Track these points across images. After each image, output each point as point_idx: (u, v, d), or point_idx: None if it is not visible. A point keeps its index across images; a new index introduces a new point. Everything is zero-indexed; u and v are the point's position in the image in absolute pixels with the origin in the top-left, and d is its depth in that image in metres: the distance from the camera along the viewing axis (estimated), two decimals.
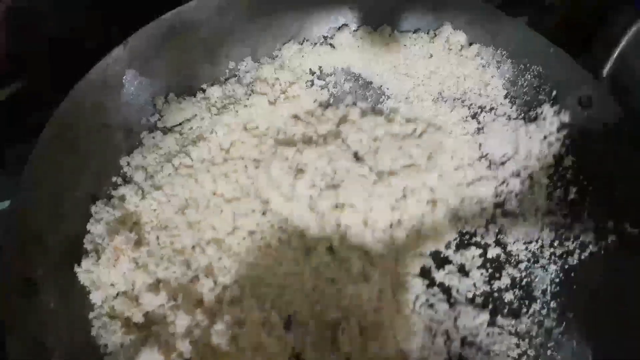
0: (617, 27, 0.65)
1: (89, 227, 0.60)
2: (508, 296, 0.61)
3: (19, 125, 0.68)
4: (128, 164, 0.65)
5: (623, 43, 0.60)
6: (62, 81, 0.60)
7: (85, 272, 0.57)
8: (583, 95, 0.62)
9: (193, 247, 0.60)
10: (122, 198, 0.62)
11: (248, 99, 0.68)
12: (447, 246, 0.64)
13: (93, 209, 0.61)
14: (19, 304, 0.53)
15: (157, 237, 0.61)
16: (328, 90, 0.72)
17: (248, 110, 0.67)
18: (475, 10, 0.68)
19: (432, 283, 0.61)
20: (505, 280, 0.62)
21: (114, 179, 0.63)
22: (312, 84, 0.72)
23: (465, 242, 0.64)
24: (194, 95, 0.69)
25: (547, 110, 0.65)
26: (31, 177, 0.57)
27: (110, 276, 0.57)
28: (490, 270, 0.62)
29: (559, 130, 0.65)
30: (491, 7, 0.68)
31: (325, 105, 0.71)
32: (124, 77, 0.65)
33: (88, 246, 0.58)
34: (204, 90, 0.69)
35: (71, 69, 0.61)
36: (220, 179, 0.63)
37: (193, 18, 0.67)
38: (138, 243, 0.59)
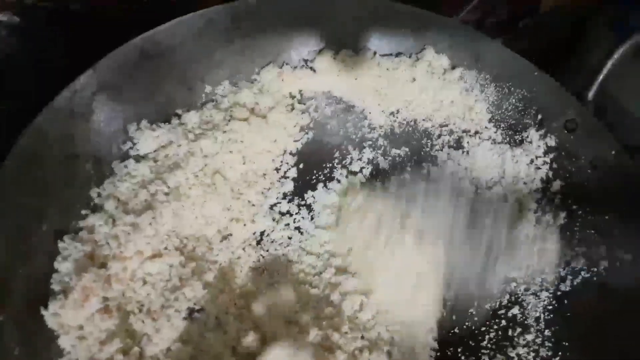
0: (598, 53, 0.65)
1: (56, 265, 0.55)
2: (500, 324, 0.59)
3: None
4: (99, 194, 0.60)
5: (604, 72, 0.60)
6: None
7: (53, 315, 0.52)
8: (568, 119, 0.62)
9: None
10: (91, 229, 0.57)
11: (227, 124, 0.65)
12: None
13: (60, 245, 0.56)
14: None
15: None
16: (309, 115, 0.70)
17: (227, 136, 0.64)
18: (457, 33, 0.68)
19: None
20: None
21: (83, 211, 0.59)
22: (293, 108, 0.70)
23: None
24: (169, 122, 0.65)
25: (532, 134, 0.65)
26: None
27: (78, 318, 0.52)
28: None
29: (545, 154, 0.64)
30: (473, 29, 0.68)
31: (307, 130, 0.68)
32: (94, 104, 0.60)
33: (55, 287, 0.53)
34: (179, 116, 0.66)
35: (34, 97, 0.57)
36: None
37: (166, 41, 0.64)
38: (109, 280, 0.55)
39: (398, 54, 0.70)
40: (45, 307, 0.52)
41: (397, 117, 0.70)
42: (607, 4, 0.85)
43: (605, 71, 0.60)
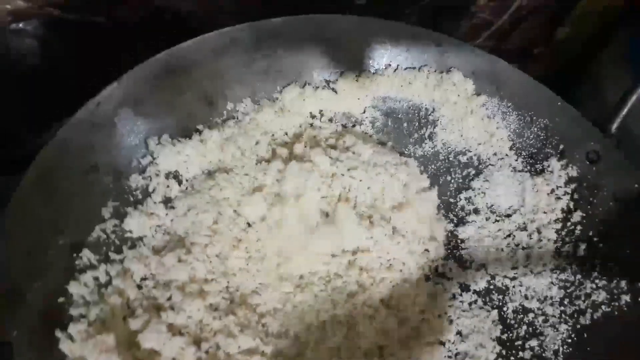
0: (617, 85, 0.65)
1: (72, 289, 0.54)
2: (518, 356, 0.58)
3: None
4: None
5: (628, 105, 0.60)
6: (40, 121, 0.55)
7: (67, 339, 0.51)
8: (591, 150, 0.62)
9: None
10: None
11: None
12: None
13: (78, 262, 0.55)
14: None
15: None
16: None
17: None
18: (481, 59, 0.68)
19: None
20: None
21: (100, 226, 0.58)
22: (313, 127, 0.69)
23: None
24: (189, 137, 0.65)
25: (554, 163, 0.65)
26: (9, 225, 0.51)
27: (91, 352, 0.50)
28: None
29: (566, 184, 0.64)
30: (496, 57, 0.68)
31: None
32: (116, 117, 0.60)
33: (74, 312, 0.52)
34: (200, 132, 0.65)
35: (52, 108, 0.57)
36: None
37: (190, 57, 0.64)
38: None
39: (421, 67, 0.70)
40: (59, 324, 0.51)
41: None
42: (621, 33, 0.86)
43: (628, 105, 0.60)
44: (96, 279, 0.55)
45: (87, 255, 0.55)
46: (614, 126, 0.61)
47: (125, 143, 0.61)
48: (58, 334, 0.50)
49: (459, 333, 0.60)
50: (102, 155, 0.59)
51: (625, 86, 0.65)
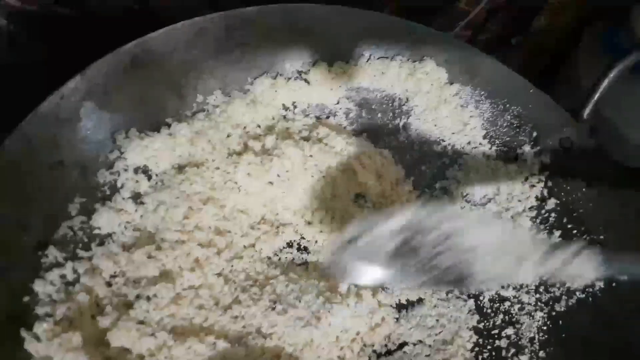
0: (591, 73, 0.65)
1: (37, 288, 0.52)
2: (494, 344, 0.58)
3: None
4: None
5: (599, 92, 0.60)
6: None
7: (33, 338, 0.49)
8: (564, 137, 0.62)
9: None
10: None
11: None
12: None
13: (44, 260, 0.53)
14: None
15: None
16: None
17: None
18: (453, 48, 0.67)
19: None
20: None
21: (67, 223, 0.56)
22: (285, 119, 0.68)
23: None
24: (158, 131, 0.63)
25: (527, 151, 0.65)
26: None
27: (57, 351, 0.49)
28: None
29: (540, 171, 0.64)
30: (469, 46, 0.67)
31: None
32: (81, 111, 0.58)
33: (40, 311, 0.50)
34: (169, 126, 0.64)
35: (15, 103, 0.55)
36: None
37: (158, 48, 0.62)
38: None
39: (393, 57, 0.69)
40: (25, 323, 0.49)
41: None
42: (596, 22, 0.86)
43: (599, 91, 0.60)
44: (63, 277, 0.53)
45: (53, 253, 0.54)
46: (586, 112, 0.60)
47: (91, 137, 0.59)
48: (23, 333, 0.49)
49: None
50: (68, 150, 0.58)
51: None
